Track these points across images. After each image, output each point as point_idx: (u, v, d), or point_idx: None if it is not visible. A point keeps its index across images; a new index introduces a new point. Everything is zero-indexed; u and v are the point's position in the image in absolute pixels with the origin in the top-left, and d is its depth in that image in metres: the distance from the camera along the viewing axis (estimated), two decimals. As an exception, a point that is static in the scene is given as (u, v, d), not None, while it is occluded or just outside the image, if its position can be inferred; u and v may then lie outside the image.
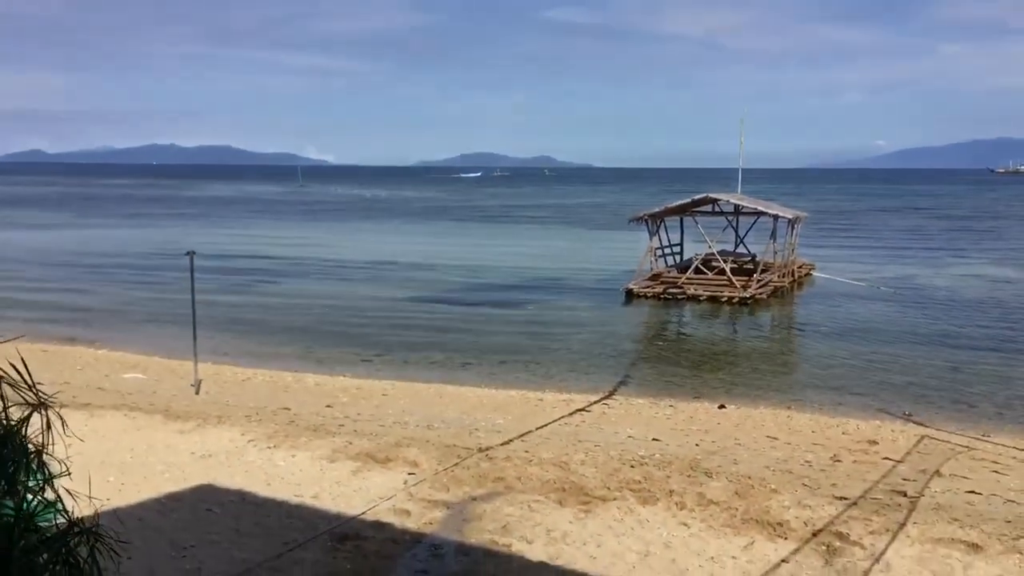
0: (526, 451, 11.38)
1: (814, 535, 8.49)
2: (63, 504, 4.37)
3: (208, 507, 8.80)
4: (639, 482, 10.05)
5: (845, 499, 9.66)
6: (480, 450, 11.27)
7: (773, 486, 10.03)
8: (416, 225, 69.85)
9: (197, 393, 15.37)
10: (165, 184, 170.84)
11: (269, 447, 11.10)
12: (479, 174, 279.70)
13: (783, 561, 7.86)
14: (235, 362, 19.46)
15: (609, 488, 9.80)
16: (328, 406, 14.82)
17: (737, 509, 9.16)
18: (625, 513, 9.02)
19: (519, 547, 7.95)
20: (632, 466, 10.72)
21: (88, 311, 27.50)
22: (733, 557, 7.92)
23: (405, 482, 9.81)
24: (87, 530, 4.28)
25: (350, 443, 11.34)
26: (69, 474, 4.44)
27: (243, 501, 9.01)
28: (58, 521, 4.40)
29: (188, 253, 16.37)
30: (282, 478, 9.85)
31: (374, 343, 22.73)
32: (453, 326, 25.49)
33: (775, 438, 13.44)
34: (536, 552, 7.87)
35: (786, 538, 8.41)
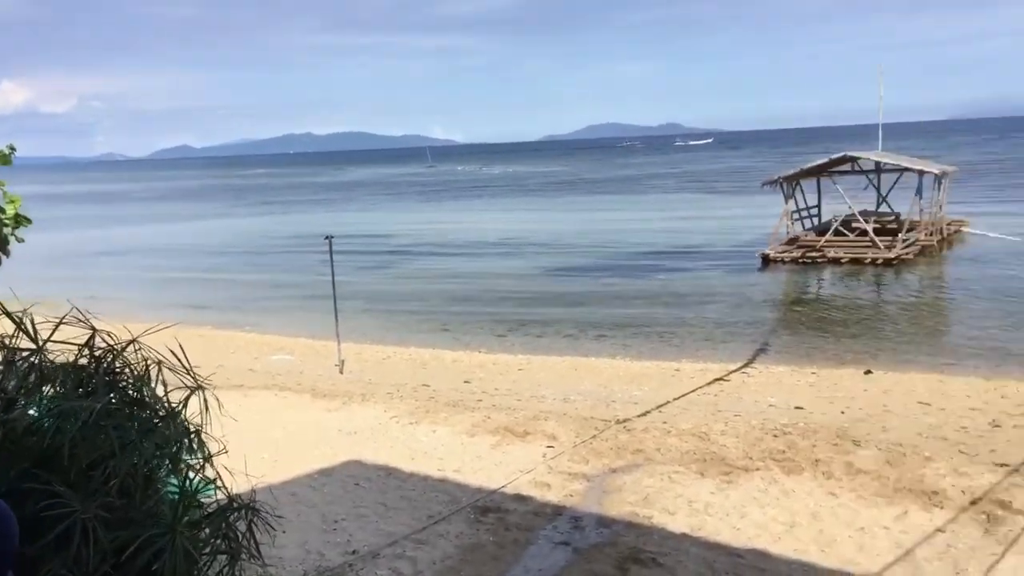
0: (664, 422, 11.28)
1: (973, 504, 8.08)
2: (222, 481, 4.60)
3: (356, 482, 9.12)
4: (783, 452, 9.81)
5: (1006, 466, 9.15)
6: (618, 422, 11.24)
7: (927, 454, 9.60)
8: (542, 200, 69.98)
9: (341, 372, 15.92)
10: (301, 172, 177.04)
11: (411, 423, 11.40)
12: (710, 140, 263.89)
13: (938, 531, 7.51)
14: (375, 341, 20.00)
15: (751, 458, 9.60)
16: (466, 382, 15.09)
17: (888, 478, 8.81)
18: (769, 483, 8.82)
19: (661, 518, 7.90)
20: (775, 435, 10.46)
21: (238, 297, 28.88)
22: (885, 527, 7.63)
23: (544, 455, 9.89)
24: (245, 505, 4.51)
25: (488, 417, 11.51)
26: (227, 452, 4.68)
27: (389, 475, 9.29)
28: (218, 497, 4.65)
29: (327, 238, 16.91)
30: (425, 453, 10.09)
31: (508, 319, 22.95)
32: (585, 299, 25.45)
33: (927, 404, 12.84)
34: (678, 523, 7.80)
35: (942, 507, 8.03)
